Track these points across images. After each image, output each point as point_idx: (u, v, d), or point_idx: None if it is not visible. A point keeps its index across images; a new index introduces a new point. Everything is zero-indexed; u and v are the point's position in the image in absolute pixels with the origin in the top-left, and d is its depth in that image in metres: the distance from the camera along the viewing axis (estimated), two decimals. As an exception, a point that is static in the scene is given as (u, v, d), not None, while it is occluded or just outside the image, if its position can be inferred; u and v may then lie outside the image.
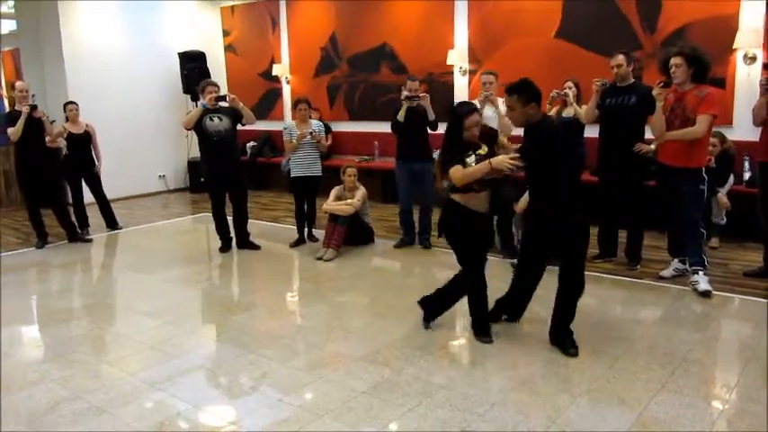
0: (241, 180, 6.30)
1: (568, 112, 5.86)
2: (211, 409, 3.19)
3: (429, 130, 6.03)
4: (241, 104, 6.07)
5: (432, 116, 5.88)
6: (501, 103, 5.67)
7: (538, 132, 3.63)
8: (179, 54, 10.01)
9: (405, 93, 5.86)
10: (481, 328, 3.92)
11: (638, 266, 5.30)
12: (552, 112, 5.87)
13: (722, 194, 5.80)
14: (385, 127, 6.67)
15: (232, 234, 6.42)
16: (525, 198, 5.66)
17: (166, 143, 10.34)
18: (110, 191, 7.65)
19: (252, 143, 10.10)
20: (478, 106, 5.68)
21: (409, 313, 4.39)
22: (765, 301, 4.49)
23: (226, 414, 3.15)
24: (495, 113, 5.66)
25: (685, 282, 4.83)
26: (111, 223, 7.55)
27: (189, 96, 9.84)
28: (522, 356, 3.68)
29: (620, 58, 5.07)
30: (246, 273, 5.86)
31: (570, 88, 5.85)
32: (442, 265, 5.76)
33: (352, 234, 6.15)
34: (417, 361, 3.63)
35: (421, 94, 5.88)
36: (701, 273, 4.69)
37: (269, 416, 3.06)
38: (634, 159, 5.08)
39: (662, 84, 4.52)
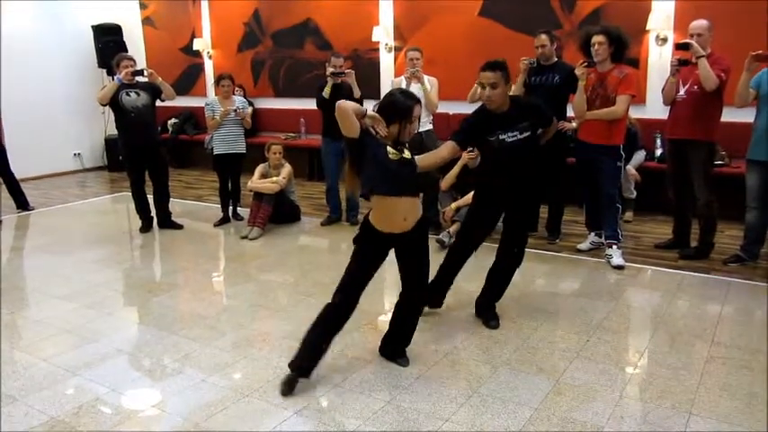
0: (161, 157, 6.10)
1: None
2: (132, 393, 3.11)
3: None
4: (160, 79, 5.85)
5: (357, 93, 5.85)
6: (427, 81, 5.73)
7: (528, 107, 3.64)
8: (93, 27, 9.52)
9: (330, 69, 5.80)
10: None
11: (558, 240, 5.50)
12: (477, 91, 5.95)
13: (630, 168, 6.06)
14: (311, 104, 6.59)
15: (153, 214, 6.22)
16: (451, 176, 5.76)
17: (81, 120, 9.86)
18: (19, 170, 7.25)
19: (173, 120, 9.77)
20: (404, 83, 5.75)
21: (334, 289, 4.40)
22: (674, 271, 4.76)
23: (148, 397, 3.07)
24: (421, 90, 5.69)
25: (601, 254, 5.04)
26: (22, 204, 7.16)
27: (105, 71, 9.39)
28: (445, 329, 3.75)
29: (544, 37, 5.19)
30: (169, 253, 5.71)
31: None
32: (368, 243, 5.79)
33: (278, 212, 6.08)
34: (342, 338, 3.61)
35: (347, 71, 5.84)
36: (615, 246, 4.91)
37: (193, 397, 3.01)
38: (555, 137, 5.21)
39: (585, 64, 4.65)
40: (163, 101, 6.01)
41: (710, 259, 4.95)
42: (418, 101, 3.07)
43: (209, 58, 9.77)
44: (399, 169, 3.01)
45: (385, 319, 4.01)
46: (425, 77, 5.73)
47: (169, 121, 9.75)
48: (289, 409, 2.89)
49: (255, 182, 6.06)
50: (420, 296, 3.32)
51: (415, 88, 5.69)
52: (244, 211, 6.38)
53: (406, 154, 3.06)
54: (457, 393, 3.01)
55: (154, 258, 5.64)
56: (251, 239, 5.77)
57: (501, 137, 3.49)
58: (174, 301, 4.35)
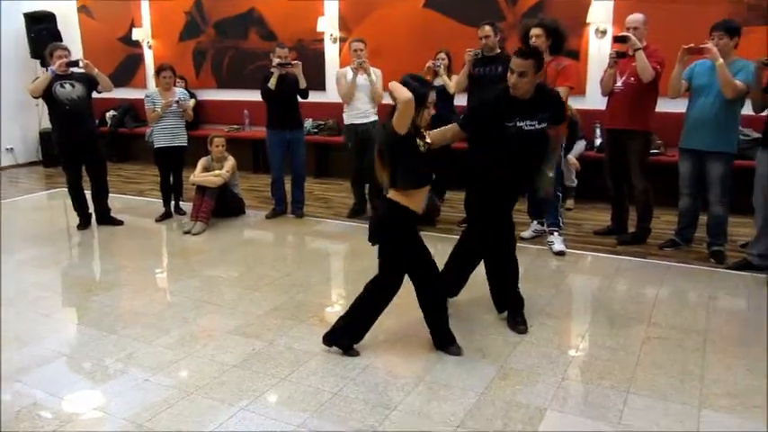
0: (98, 151, 5.91)
1: (438, 82, 6.01)
2: (73, 396, 3.01)
3: (300, 99, 5.96)
4: (96, 70, 5.66)
5: (303, 84, 5.81)
6: (372, 72, 5.73)
7: (552, 98, 3.52)
8: (25, 15, 9.12)
9: (276, 60, 5.73)
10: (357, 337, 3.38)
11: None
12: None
13: (571, 157, 6.21)
14: (255, 95, 6.49)
15: (91, 210, 6.03)
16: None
17: (13, 113, 9.43)
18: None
19: (112, 112, 9.47)
20: (350, 74, 5.73)
21: (281, 283, 4.38)
22: (613, 256, 4.91)
23: (89, 400, 2.98)
24: (367, 81, 5.70)
25: (543, 242, 5.15)
26: (-50, 201, 6.84)
27: (38, 62, 9.01)
28: (393, 319, 3.75)
29: (488, 28, 5.25)
30: (108, 250, 5.54)
31: (443, 59, 5.99)
32: (315, 235, 5.77)
33: (222, 206, 5.98)
34: (289, 330, 3.63)
35: (293, 62, 5.79)
36: (556, 234, 5.03)
37: (136, 398, 2.94)
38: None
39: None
40: (99, 93, 5.82)
41: (647, 244, 5.13)
42: (433, 87, 3.17)
43: (149, 48, 9.50)
44: (427, 160, 3.10)
45: (332, 311, 4.01)
46: (372, 69, 5.73)
47: (107, 114, 9.46)
48: (235, 405, 2.85)
49: (198, 175, 5.95)
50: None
51: (361, 79, 5.70)
52: (186, 206, 6.26)
53: (426, 140, 3.13)
54: (404, 382, 3.03)
55: (93, 256, 5.47)
56: (194, 234, 5.65)
57: (519, 124, 3.32)
58: (115, 299, 4.23)
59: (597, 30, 6.62)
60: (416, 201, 3.14)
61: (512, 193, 3.62)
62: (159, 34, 9.40)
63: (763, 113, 4.43)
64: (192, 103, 6.16)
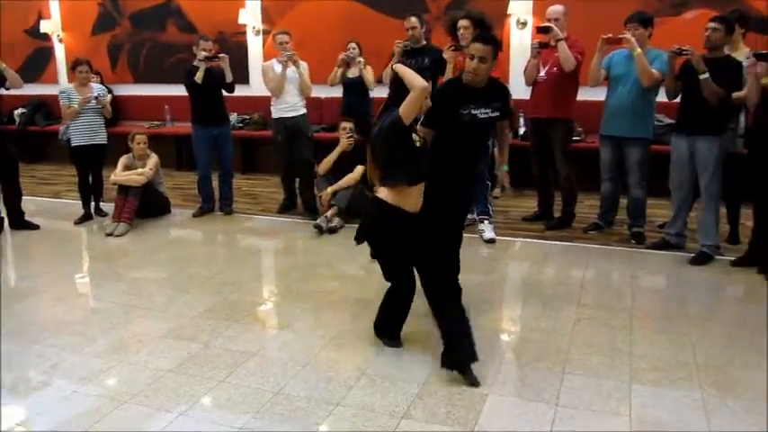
0: (7, 151, 5.55)
1: (353, 73, 5.99)
2: (-9, 412, 2.83)
3: (226, 93, 5.82)
4: (3, 65, 5.32)
5: (230, 78, 5.68)
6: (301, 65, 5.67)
7: (501, 88, 3.50)
8: None
9: (202, 53, 5.56)
10: (393, 331, 3.32)
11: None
12: (337, 74, 5.96)
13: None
14: (175, 90, 6.30)
15: (3, 214, 5.67)
16: (328, 161, 5.72)
17: None
18: None
19: (20, 110, 8.93)
20: (277, 67, 5.63)
21: (213, 283, 4.27)
22: (541, 241, 5.06)
23: (11, 416, 2.79)
24: (296, 74, 5.63)
25: (474, 230, 5.24)
26: None
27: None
28: (331, 315, 3.75)
29: (414, 20, 5.29)
30: (24, 256, 5.23)
31: (354, 49, 5.96)
32: (245, 232, 5.66)
33: (146, 205, 5.77)
34: (224, 331, 3.54)
35: (220, 55, 5.64)
36: (486, 221, 5.14)
37: (64, 410, 2.78)
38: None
39: (452, 47, 4.77)
40: (8, 89, 5.48)
41: (572, 228, 5.31)
42: (429, 77, 3.07)
43: (60, 41, 9.02)
44: (424, 154, 3.00)
45: (266, 309, 3.95)
46: (300, 62, 5.68)
47: (15, 112, 8.89)
48: (173, 411, 2.76)
49: (119, 174, 5.70)
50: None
51: (290, 72, 5.62)
52: (107, 207, 6.00)
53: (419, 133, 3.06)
54: (346, 377, 3.01)
55: (7, 263, 5.14)
56: (117, 236, 5.41)
57: (474, 112, 3.30)
58: (35, 308, 4.00)
59: (518, 21, 6.78)
60: (411, 199, 3.02)
61: (467, 182, 3.60)
62: (70, 27, 8.94)
63: (676, 100, 4.64)
64: (108, 98, 5.88)
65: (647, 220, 5.09)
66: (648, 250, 4.78)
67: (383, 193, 3.02)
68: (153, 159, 5.82)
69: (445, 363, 2.98)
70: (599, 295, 4.00)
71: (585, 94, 5.29)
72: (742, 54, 4.49)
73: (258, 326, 3.69)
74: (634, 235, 4.98)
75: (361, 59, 5.95)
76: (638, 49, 4.52)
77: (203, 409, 2.78)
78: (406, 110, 2.86)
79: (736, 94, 4.32)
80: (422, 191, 3.06)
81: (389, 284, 3.25)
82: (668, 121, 5.88)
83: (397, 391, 2.88)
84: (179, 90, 5.89)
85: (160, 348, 3.34)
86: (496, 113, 3.40)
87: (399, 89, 2.95)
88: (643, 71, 4.56)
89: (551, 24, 4.81)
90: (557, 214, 5.47)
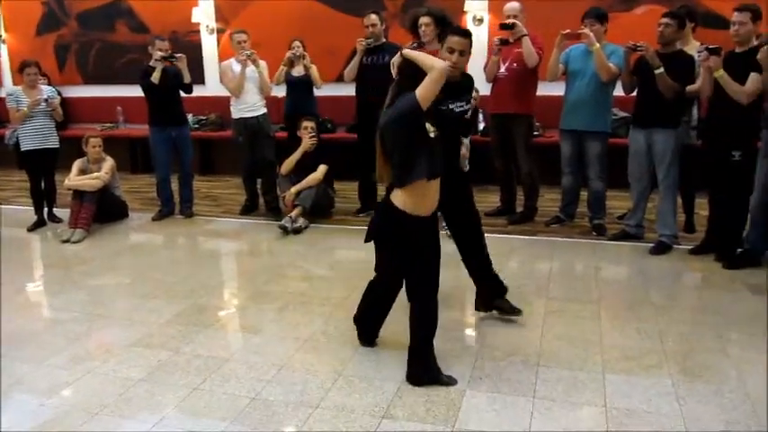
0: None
1: (298, 71, 5.93)
2: (-48, 432, 2.70)
3: (184, 94, 5.70)
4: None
5: (188, 78, 5.57)
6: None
7: (471, 81, 3.45)
8: None
9: (159, 53, 5.42)
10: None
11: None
12: (282, 72, 5.88)
13: (466, 141, 6.37)
14: (128, 91, 6.15)
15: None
16: (291, 161, 5.66)
17: None
18: None
19: (-38, 114, 8.58)
20: (236, 67, 5.54)
21: (180, 288, 4.18)
22: (505, 236, 5.12)
23: (-28, 434, 2.69)
24: (256, 73, 5.56)
25: (440, 227, 5.24)
26: None
27: None
28: (302, 316, 3.71)
29: (374, 17, 5.27)
30: (-25, 266, 5.02)
31: (298, 47, 5.90)
32: (208, 235, 5.56)
33: (103, 210, 5.61)
34: (195, 337, 3.46)
35: (178, 55, 5.51)
36: (451, 217, 5.16)
37: (30, 425, 2.68)
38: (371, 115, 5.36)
39: (414, 44, 4.76)
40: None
41: (535, 222, 5.40)
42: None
43: (2, 42, 8.68)
44: (438, 146, 2.81)
45: (238, 313, 3.88)
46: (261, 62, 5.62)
47: (-43, 117, 8.54)
48: (147, 420, 2.68)
49: (74, 179, 5.53)
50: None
51: (249, 71, 5.54)
52: (61, 212, 5.80)
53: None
54: (323, 379, 2.98)
55: (-43, 274, 4.93)
56: (74, 242, 5.25)
57: (451, 106, 3.26)
58: (-8, 319, 3.84)
59: (474, 18, 6.84)
60: (428, 201, 2.82)
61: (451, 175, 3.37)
62: (12, 27, 8.62)
63: (632, 94, 4.76)
64: (58, 100, 5.69)
65: (607, 212, 5.21)
66: (610, 241, 4.90)
67: (398, 198, 2.78)
68: (108, 163, 5.65)
69: (419, 377, 2.93)
70: (566, 288, 4.08)
71: (543, 89, 5.37)
72: (693, 48, 4.63)
73: (229, 330, 3.62)
74: (595, 227, 5.09)
75: (307, 57, 5.89)
76: (597, 45, 4.62)
77: (179, 417, 2.72)
78: (423, 92, 2.67)
79: (689, 88, 4.46)
80: (438, 189, 2.86)
81: (373, 282, 3.19)
82: (622, 114, 6.04)
83: (376, 391, 2.87)
84: (132, 91, 5.76)
85: (128, 357, 3.24)
86: (469, 105, 3.41)
87: (412, 75, 2.75)
88: (601, 66, 4.66)
89: (516, 20, 4.85)
90: (519, 209, 5.55)
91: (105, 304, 4.00)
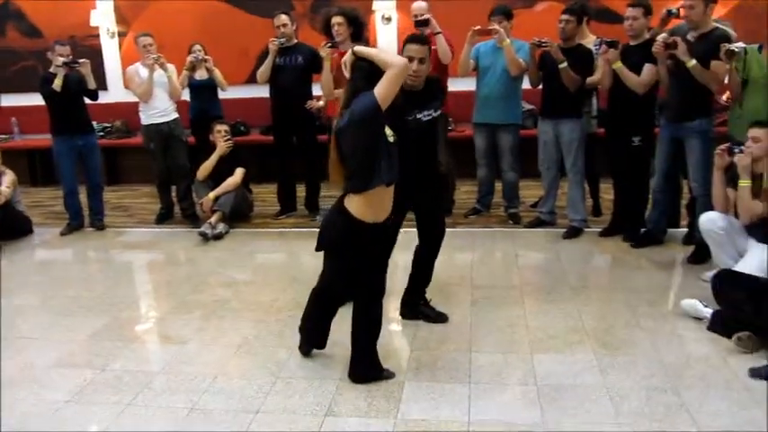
0: None
1: (201, 75, 5.83)
2: None
3: (89, 101, 5.45)
4: None
5: (93, 85, 5.32)
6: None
7: (437, 84, 3.36)
8: None
9: (60, 59, 5.14)
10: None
11: (318, 217, 5.65)
12: (185, 77, 5.75)
13: None
14: (22, 100, 5.81)
15: None
16: (207, 166, 5.53)
17: None
18: None
19: None
20: (143, 71, 5.35)
21: (99, 303, 4.00)
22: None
23: None
24: (164, 77, 5.41)
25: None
26: None
27: None
28: (231, 323, 3.65)
29: (284, 17, 5.24)
30: None
31: (199, 51, 5.79)
32: (123, 246, 5.35)
33: (5, 227, 5.29)
34: (121, 352, 3.34)
35: (81, 61, 5.25)
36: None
37: (-53, 460, 2.52)
38: (304, 115, 5.36)
39: (328, 44, 4.78)
40: None
41: (454, 215, 5.54)
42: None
43: None
44: (396, 151, 2.68)
45: (150, 326, 3.77)
46: (170, 66, 5.46)
47: None
48: (79, 442, 2.58)
49: (-28, 196, 5.17)
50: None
51: (157, 76, 5.38)
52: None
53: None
54: (261, 383, 2.96)
55: None
56: (-25, 263, 4.92)
57: (418, 116, 3.16)
58: None
59: (383, 16, 6.93)
60: (383, 206, 2.72)
61: (420, 182, 3.34)
62: None
63: (539, 87, 4.99)
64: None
65: (521, 200, 5.43)
66: (526, 229, 5.11)
67: (354, 205, 2.68)
68: (9, 176, 5.33)
69: (364, 377, 2.94)
70: (489, 276, 4.23)
71: (455, 85, 5.51)
72: (590, 41, 4.91)
73: (158, 343, 3.52)
74: (511, 216, 5.30)
75: (209, 60, 5.78)
76: (507, 41, 4.80)
77: (114, 435, 2.63)
78: (382, 91, 2.52)
79: (589, 79, 4.73)
80: (392, 194, 2.76)
81: (318, 290, 3.07)
82: (529, 106, 6.29)
83: (315, 391, 2.88)
84: (27, 100, 5.44)
85: (51, 379, 3.09)
86: (438, 112, 3.29)
87: (368, 74, 2.61)
88: (511, 61, 4.85)
89: (430, 17, 4.96)
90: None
91: (18, 325, 3.77)
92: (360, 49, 2.66)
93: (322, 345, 3.16)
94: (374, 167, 2.61)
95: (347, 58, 2.68)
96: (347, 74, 2.67)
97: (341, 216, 2.72)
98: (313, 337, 3.16)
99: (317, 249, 2.87)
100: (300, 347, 3.20)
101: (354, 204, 2.68)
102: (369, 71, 2.61)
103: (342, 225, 2.73)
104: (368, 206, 2.68)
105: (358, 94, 2.62)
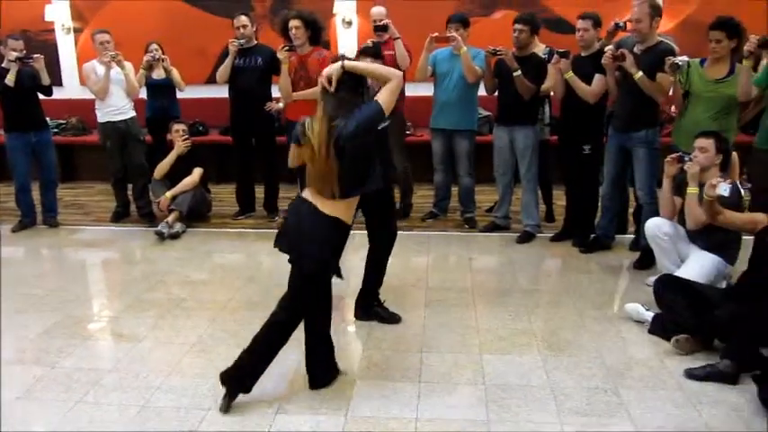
0: None
1: (159, 74, 5.79)
2: None
3: (43, 96, 5.37)
4: None
5: (47, 80, 5.24)
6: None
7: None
8: None
9: (13, 53, 5.05)
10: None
11: (277, 217, 5.67)
12: (142, 76, 5.69)
13: None
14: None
15: None
16: (164, 165, 5.49)
17: None
18: None
19: None
20: (100, 69, 5.29)
21: (51, 301, 3.96)
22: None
23: None
24: (121, 75, 5.35)
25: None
26: None
27: None
28: (186, 321, 3.65)
29: (244, 18, 5.24)
30: None
31: (156, 50, 5.75)
32: (78, 244, 5.29)
33: (-46, 224, 5.16)
34: (73, 350, 3.32)
35: (35, 56, 5.16)
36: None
37: None
38: (263, 117, 5.38)
39: (286, 48, 4.81)
40: None
41: (411, 218, 5.62)
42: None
43: None
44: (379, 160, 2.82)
45: (104, 324, 3.75)
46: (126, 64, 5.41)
47: None
48: (27, 440, 2.56)
49: None
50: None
51: (114, 73, 5.33)
52: None
53: None
54: (214, 381, 2.91)
55: None
56: None
57: (383, 125, 3.06)
58: None
59: (344, 20, 6.99)
60: (352, 210, 2.82)
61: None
62: None
63: (494, 95, 5.12)
64: None
65: (476, 205, 5.55)
66: (480, 233, 5.23)
67: (338, 209, 2.70)
68: (-42, 172, 5.21)
69: (324, 381, 2.97)
70: (443, 278, 4.32)
71: (412, 90, 5.59)
72: (539, 50, 5.03)
73: (111, 341, 3.50)
74: (466, 220, 5.41)
75: (166, 60, 5.75)
76: (464, 48, 4.90)
77: (63, 433, 2.62)
78: (387, 100, 2.67)
79: (543, 87, 4.87)
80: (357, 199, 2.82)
81: (272, 323, 2.85)
82: (485, 113, 6.41)
83: (267, 389, 2.90)
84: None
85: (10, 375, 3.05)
86: (388, 121, 3.24)
87: (355, 86, 2.70)
88: (468, 69, 4.95)
89: (389, 22, 5.02)
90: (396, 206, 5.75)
91: (-36, 324, 3.70)
92: (352, 64, 2.71)
93: (251, 387, 2.79)
94: (369, 172, 2.75)
95: (332, 71, 2.66)
96: (329, 87, 2.66)
97: (331, 229, 2.71)
98: (250, 377, 2.79)
99: (315, 272, 2.77)
100: (225, 399, 2.75)
101: (341, 208, 2.71)
102: (354, 84, 2.70)
103: (338, 237, 2.78)
104: (349, 208, 2.78)
105: (345, 105, 2.65)
